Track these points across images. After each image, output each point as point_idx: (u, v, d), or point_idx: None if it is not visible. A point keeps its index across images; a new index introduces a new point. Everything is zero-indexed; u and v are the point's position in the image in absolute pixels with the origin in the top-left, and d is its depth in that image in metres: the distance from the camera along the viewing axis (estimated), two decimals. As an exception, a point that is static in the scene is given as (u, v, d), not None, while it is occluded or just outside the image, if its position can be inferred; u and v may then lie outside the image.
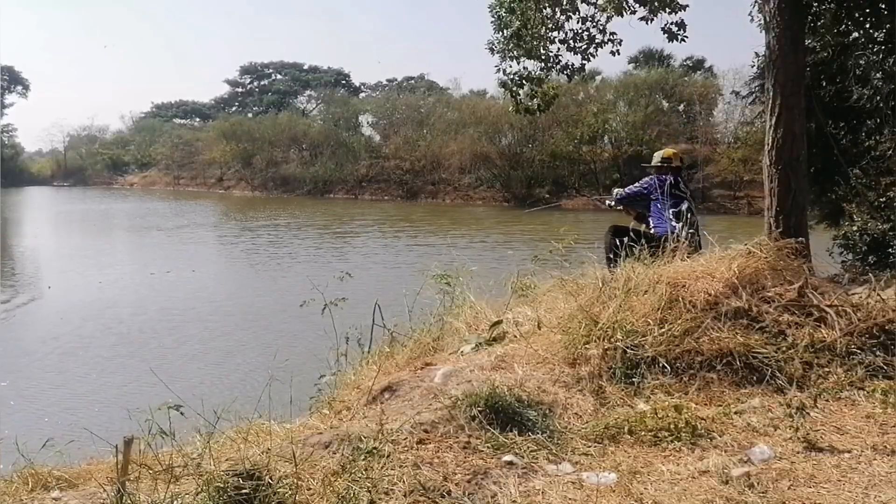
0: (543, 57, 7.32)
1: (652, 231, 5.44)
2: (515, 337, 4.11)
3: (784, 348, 3.68)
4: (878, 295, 4.07)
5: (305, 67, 65.93)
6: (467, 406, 3.03)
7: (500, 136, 39.82)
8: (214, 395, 7.13)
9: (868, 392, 3.44)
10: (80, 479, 2.96)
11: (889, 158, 6.67)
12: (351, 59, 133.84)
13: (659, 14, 6.81)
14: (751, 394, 3.44)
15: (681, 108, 36.29)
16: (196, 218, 32.95)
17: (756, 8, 7.04)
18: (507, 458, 2.77)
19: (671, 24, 6.90)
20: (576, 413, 3.23)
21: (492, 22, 7.37)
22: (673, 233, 4.93)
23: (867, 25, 6.80)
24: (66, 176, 64.58)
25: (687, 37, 7.02)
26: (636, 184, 5.81)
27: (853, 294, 4.26)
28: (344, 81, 63.98)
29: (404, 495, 2.45)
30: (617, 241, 4.95)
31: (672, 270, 4.14)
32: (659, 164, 5.80)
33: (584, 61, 7.45)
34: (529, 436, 2.94)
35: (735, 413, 3.24)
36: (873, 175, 6.84)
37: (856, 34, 6.92)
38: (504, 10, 7.20)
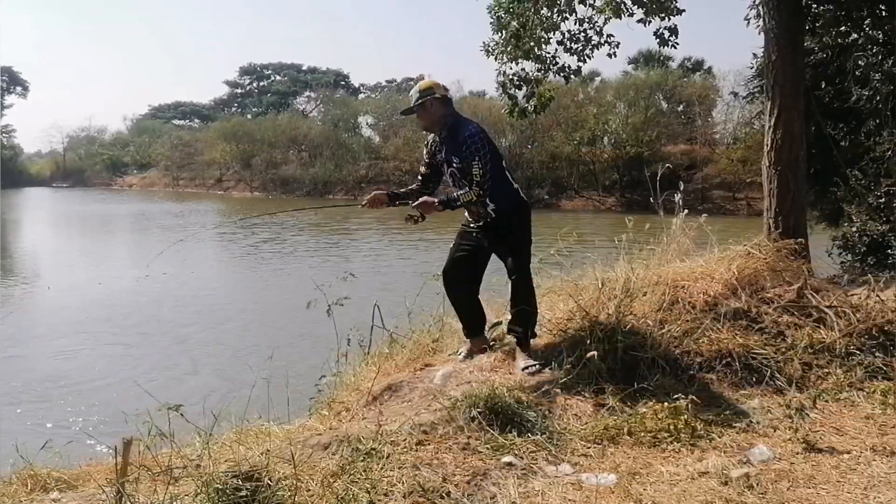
0: (541, 58, 7.31)
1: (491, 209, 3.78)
2: (515, 338, 4.09)
3: (783, 349, 3.69)
4: (878, 296, 4.08)
5: (304, 68, 65.95)
6: (467, 407, 3.04)
7: (500, 136, 39.80)
8: (215, 395, 7.13)
9: (867, 393, 3.45)
10: (80, 481, 2.96)
11: (888, 159, 6.67)
12: (350, 60, 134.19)
13: (653, 18, 6.80)
14: (750, 395, 3.45)
15: (680, 108, 36.27)
16: (196, 218, 32.93)
17: (754, 12, 7.04)
18: (507, 459, 2.77)
19: (664, 28, 6.89)
20: (575, 414, 3.23)
21: (490, 23, 7.37)
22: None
23: (866, 26, 6.80)
24: (66, 177, 64.55)
25: (678, 43, 7.00)
26: (474, 148, 3.66)
27: (852, 295, 4.27)
28: (343, 82, 63.98)
29: (403, 496, 2.45)
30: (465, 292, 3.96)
31: (672, 271, 4.15)
32: (419, 100, 3.80)
33: (580, 63, 7.44)
34: (529, 437, 2.94)
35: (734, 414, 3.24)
36: (872, 176, 6.84)
37: (855, 35, 6.92)
38: (503, 11, 7.20)
